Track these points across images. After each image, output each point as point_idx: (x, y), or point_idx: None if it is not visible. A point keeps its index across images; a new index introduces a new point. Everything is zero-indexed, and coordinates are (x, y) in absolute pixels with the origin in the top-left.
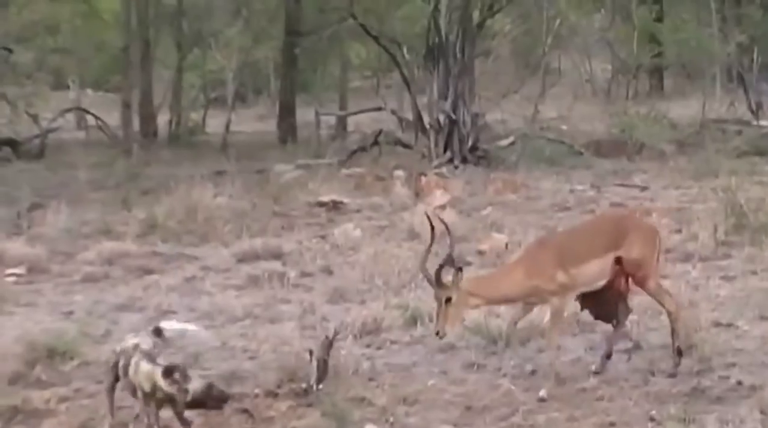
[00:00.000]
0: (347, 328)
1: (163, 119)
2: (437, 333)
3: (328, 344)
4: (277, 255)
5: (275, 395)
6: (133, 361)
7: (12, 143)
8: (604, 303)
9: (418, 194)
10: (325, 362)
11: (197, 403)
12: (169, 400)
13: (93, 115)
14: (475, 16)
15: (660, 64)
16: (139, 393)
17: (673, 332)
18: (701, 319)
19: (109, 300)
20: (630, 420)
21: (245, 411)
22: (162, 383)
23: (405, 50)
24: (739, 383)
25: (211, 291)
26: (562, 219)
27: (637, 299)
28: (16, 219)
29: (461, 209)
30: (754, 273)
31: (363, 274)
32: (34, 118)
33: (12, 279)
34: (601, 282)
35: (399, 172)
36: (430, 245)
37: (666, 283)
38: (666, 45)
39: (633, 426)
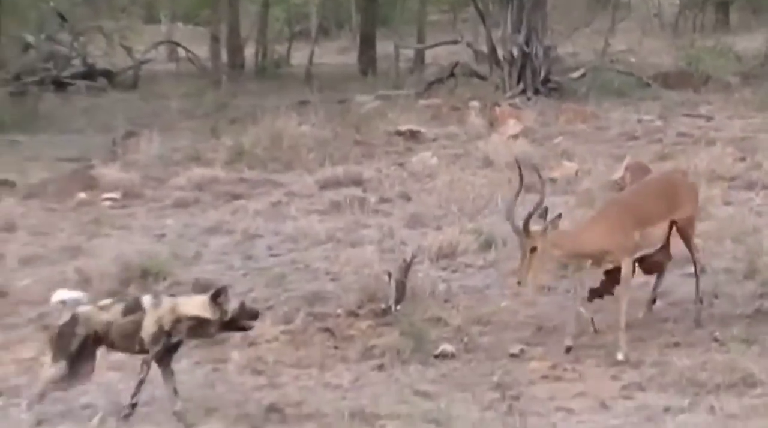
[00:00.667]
0: (424, 252)
1: (249, 52)
2: (519, 283)
3: (406, 267)
4: (358, 182)
5: (356, 315)
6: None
7: (107, 74)
8: (652, 258)
9: (492, 124)
10: (403, 284)
11: (231, 323)
12: (202, 325)
13: (183, 47)
14: None
15: None
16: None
17: (698, 285)
18: (764, 245)
19: (199, 224)
20: (694, 341)
21: (327, 329)
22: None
23: None
24: None
25: (296, 216)
26: (631, 148)
27: (702, 226)
28: (111, 147)
29: (533, 138)
30: None
31: (439, 200)
32: (128, 50)
33: (108, 203)
34: (660, 244)
35: (474, 103)
36: (518, 193)
37: (730, 210)
38: None
39: (697, 347)
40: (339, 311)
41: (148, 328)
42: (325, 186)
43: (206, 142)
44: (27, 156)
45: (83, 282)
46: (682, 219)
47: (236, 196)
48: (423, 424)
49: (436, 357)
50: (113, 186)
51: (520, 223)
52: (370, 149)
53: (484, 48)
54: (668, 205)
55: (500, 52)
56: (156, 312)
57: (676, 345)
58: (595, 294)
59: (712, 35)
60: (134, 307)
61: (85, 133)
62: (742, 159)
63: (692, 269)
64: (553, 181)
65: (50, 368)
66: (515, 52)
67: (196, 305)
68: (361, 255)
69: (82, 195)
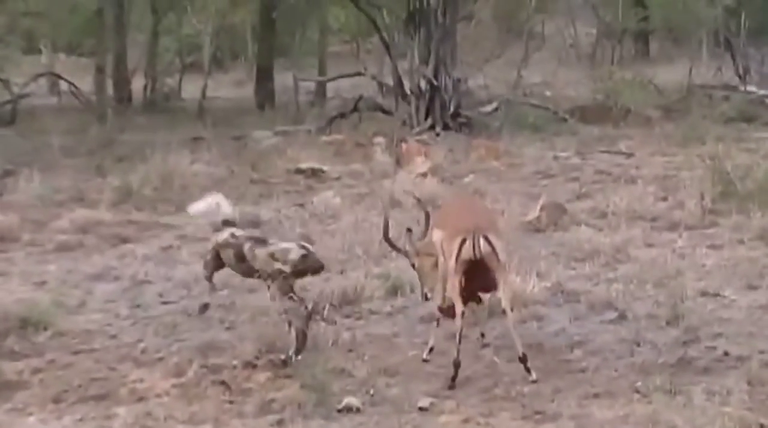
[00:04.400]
0: (327, 298)
1: (137, 84)
2: (428, 299)
3: (308, 315)
4: (256, 224)
5: (254, 366)
6: (246, 248)
7: None
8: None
9: (398, 161)
10: (305, 333)
11: (301, 272)
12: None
13: (66, 80)
14: None
15: (646, 28)
16: (264, 275)
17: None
18: (687, 289)
19: (83, 270)
20: (615, 391)
21: (223, 382)
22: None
23: (385, 14)
24: (726, 353)
25: (188, 261)
26: (546, 186)
27: (623, 268)
28: None
29: (443, 177)
30: (741, 242)
31: (343, 243)
32: (6, 83)
33: None
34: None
35: (379, 139)
36: (386, 217)
37: (652, 252)
38: (652, 8)
39: (618, 398)
40: (235, 362)
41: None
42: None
43: (91, 181)
44: None
45: None
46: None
47: (124, 240)
48: None
49: (340, 411)
50: None
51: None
52: (269, 188)
53: (390, 80)
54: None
55: (407, 85)
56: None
57: (596, 395)
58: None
59: (632, 66)
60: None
61: None
62: (664, 198)
63: (613, 315)
64: None
65: None
66: (423, 84)
67: None
68: (259, 302)
69: None
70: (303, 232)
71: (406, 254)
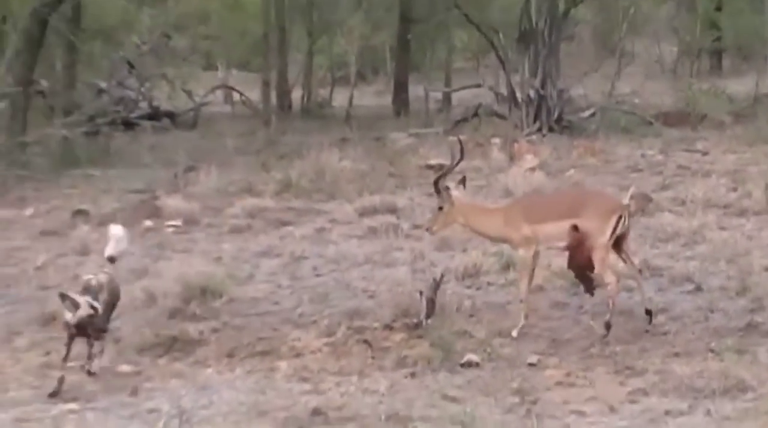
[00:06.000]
0: (451, 272)
1: (296, 95)
2: (427, 229)
3: (436, 285)
4: (392, 210)
5: (391, 328)
6: None
7: (171, 115)
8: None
9: (511, 158)
10: (433, 300)
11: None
12: None
13: (237, 91)
14: (561, 6)
15: (719, 47)
16: None
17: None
18: (754, 265)
19: (251, 248)
20: (692, 351)
21: (366, 341)
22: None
23: (501, 35)
24: None
25: (337, 241)
26: (635, 179)
27: (699, 248)
28: (173, 179)
29: (548, 171)
30: None
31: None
32: (189, 94)
33: (171, 229)
34: (558, 242)
35: (496, 140)
36: (452, 166)
37: (724, 234)
38: (724, 30)
39: (695, 357)
40: (376, 325)
41: None
42: (363, 213)
43: (258, 175)
44: (100, 188)
45: (149, 300)
46: (584, 226)
47: (284, 223)
48: (450, 426)
49: (462, 365)
50: (175, 214)
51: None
52: (403, 181)
53: (504, 91)
54: (567, 210)
55: (518, 95)
56: None
57: (676, 355)
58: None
59: (708, 79)
60: None
61: (151, 167)
62: (735, 189)
63: (691, 287)
64: None
65: None
66: (532, 94)
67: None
68: (395, 275)
69: (148, 222)
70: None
71: (440, 196)
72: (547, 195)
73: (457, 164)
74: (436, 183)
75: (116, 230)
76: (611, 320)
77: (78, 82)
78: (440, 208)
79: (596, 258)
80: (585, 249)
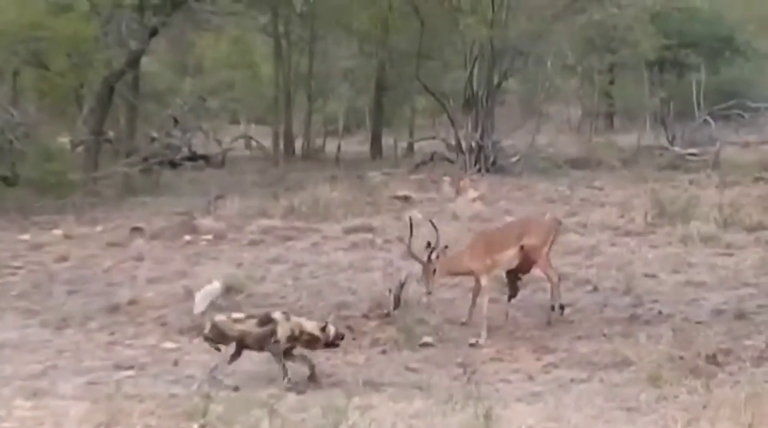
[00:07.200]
0: (413, 276)
1: (298, 143)
2: (429, 293)
3: (401, 285)
4: (369, 229)
5: (368, 317)
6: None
7: (205, 157)
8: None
9: (458, 192)
10: (399, 297)
11: (330, 343)
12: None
13: (255, 140)
14: (495, 79)
15: (612, 110)
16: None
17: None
18: (636, 272)
19: (264, 256)
20: (591, 335)
21: (349, 327)
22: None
23: (450, 100)
24: (660, 312)
25: (328, 252)
26: (549, 207)
27: (596, 259)
28: (207, 205)
29: (486, 202)
30: (670, 243)
31: (423, 242)
32: (219, 142)
33: (204, 242)
34: (514, 264)
35: (446, 178)
36: (410, 238)
37: (614, 249)
38: (616, 98)
39: (592, 339)
40: (357, 314)
41: (283, 334)
42: (347, 232)
43: (269, 202)
44: (152, 211)
45: (187, 294)
46: (528, 245)
47: (289, 238)
48: (411, 390)
49: (421, 345)
50: (208, 231)
51: (425, 257)
52: (378, 208)
53: (453, 142)
54: (516, 237)
55: (463, 144)
56: (287, 324)
57: (579, 338)
58: (513, 294)
59: (603, 134)
60: (266, 320)
61: (190, 196)
62: (622, 216)
63: (590, 288)
64: None
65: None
66: (473, 144)
67: (313, 327)
68: (371, 277)
69: (188, 237)
70: (398, 235)
71: (422, 262)
72: (499, 228)
73: (411, 237)
74: (428, 258)
75: (209, 287)
76: (558, 303)
77: (136, 133)
78: (433, 272)
79: (541, 264)
80: (529, 261)
